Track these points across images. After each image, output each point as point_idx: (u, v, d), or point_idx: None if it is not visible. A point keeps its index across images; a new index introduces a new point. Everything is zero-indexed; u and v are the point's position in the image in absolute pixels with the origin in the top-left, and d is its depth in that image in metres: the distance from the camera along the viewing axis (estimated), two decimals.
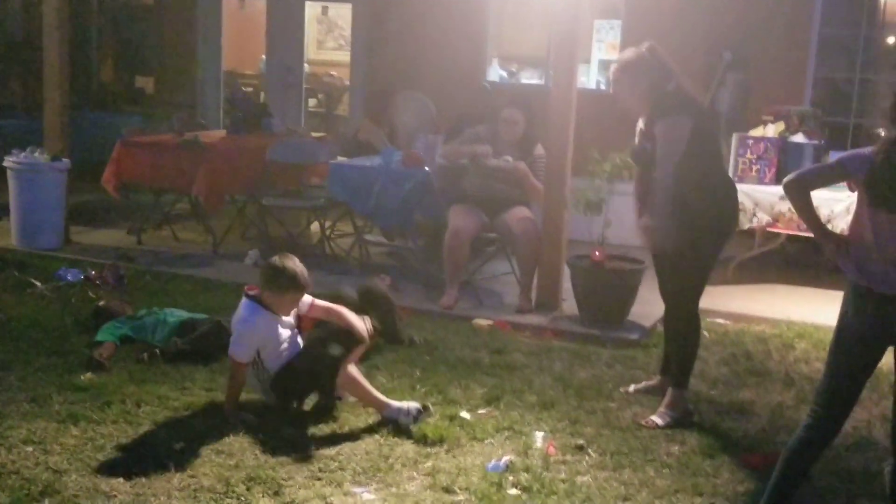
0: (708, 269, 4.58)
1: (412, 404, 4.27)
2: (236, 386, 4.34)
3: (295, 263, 4.29)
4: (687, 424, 4.47)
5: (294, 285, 4.26)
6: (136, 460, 3.80)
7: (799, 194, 3.43)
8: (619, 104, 4.68)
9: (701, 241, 4.46)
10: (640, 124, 4.68)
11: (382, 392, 4.60)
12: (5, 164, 7.27)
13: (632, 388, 4.86)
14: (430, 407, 4.31)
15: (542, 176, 6.28)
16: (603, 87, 9.54)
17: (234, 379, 4.34)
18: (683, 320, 4.62)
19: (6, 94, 9.44)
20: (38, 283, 6.17)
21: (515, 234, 6.25)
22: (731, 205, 4.61)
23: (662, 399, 4.64)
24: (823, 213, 6.61)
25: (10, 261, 6.78)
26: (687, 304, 4.58)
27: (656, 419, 4.48)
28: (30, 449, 3.83)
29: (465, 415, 4.40)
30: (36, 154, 7.27)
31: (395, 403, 4.29)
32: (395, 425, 4.22)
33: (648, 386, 4.87)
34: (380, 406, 4.32)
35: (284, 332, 4.37)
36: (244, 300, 4.34)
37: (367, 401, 4.37)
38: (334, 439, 4.11)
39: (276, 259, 4.32)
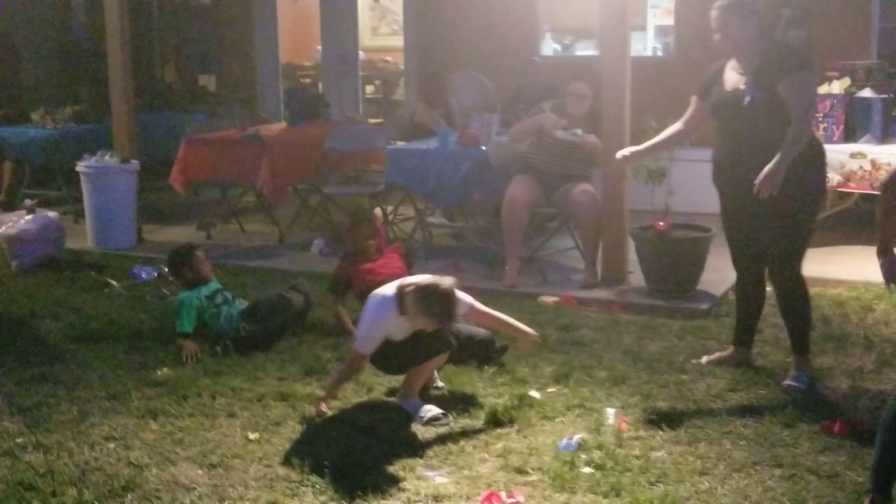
0: (813, 230, 4.52)
1: (434, 409, 4.19)
2: (350, 375, 4.32)
3: (452, 295, 4.11)
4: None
5: (440, 319, 4.12)
6: (213, 452, 3.89)
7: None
8: (723, 45, 4.40)
9: (813, 201, 4.40)
10: (731, 71, 4.42)
11: (450, 373, 4.64)
12: (78, 168, 7.48)
13: (704, 359, 4.79)
14: (450, 416, 4.18)
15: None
16: (660, 53, 9.37)
17: (350, 367, 4.31)
18: (796, 286, 4.50)
19: (76, 101, 9.67)
20: (114, 283, 6.36)
21: (576, 208, 6.20)
22: (825, 164, 4.54)
23: (737, 368, 4.65)
24: None
25: (87, 262, 6.99)
26: (797, 269, 4.48)
27: (796, 383, 4.44)
28: (111, 445, 3.95)
29: (534, 394, 4.39)
30: (106, 157, 7.47)
31: (420, 401, 4.26)
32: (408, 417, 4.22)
33: (721, 357, 4.78)
34: (409, 392, 4.30)
35: None
36: (392, 292, 4.18)
37: (410, 381, 4.31)
38: (405, 423, 4.14)
39: (436, 285, 4.11)
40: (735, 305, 4.87)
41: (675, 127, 4.80)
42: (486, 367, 4.74)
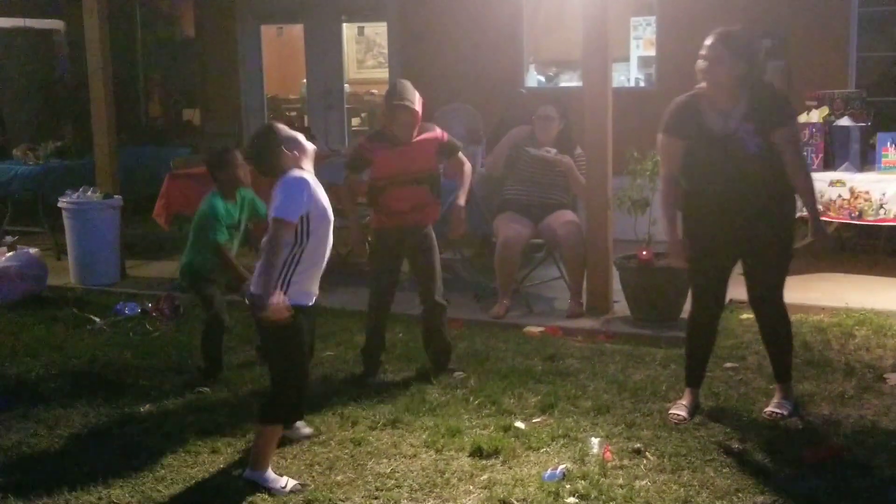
0: None
1: (290, 483, 3.85)
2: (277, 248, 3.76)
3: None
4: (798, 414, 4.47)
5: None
6: (197, 490, 3.86)
7: None
8: (705, 75, 4.25)
9: (794, 233, 4.45)
10: (712, 111, 4.27)
11: (435, 405, 4.63)
12: (60, 204, 7.46)
13: (682, 414, 4.49)
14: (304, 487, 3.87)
15: (585, 173, 6.30)
16: (643, 84, 9.46)
17: (276, 240, 3.75)
18: (784, 314, 4.54)
19: (59, 137, 9.68)
20: (97, 319, 6.33)
21: (560, 238, 6.22)
22: None
23: (717, 398, 4.65)
24: (875, 197, 6.49)
25: (70, 298, 6.96)
26: (783, 297, 4.52)
27: (780, 410, 4.44)
28: (92, 484, 3.91)
29: (519, 424, 4.39)
30: (89, 193, 7.45)
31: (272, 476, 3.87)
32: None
33: (691, 405, 4.56)
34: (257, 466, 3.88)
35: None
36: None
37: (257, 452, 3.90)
38: (390, 456, 4.12)
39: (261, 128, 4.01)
40: (692, 346, 4.59)
41: (675, 183, 4.46)
42: (472, 399, 4.74)
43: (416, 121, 5.06)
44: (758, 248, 4.41)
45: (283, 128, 3.98)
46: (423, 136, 5.14)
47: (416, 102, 5.03)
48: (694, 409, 4.53)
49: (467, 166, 5.32)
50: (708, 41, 4.25)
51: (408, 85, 5.10)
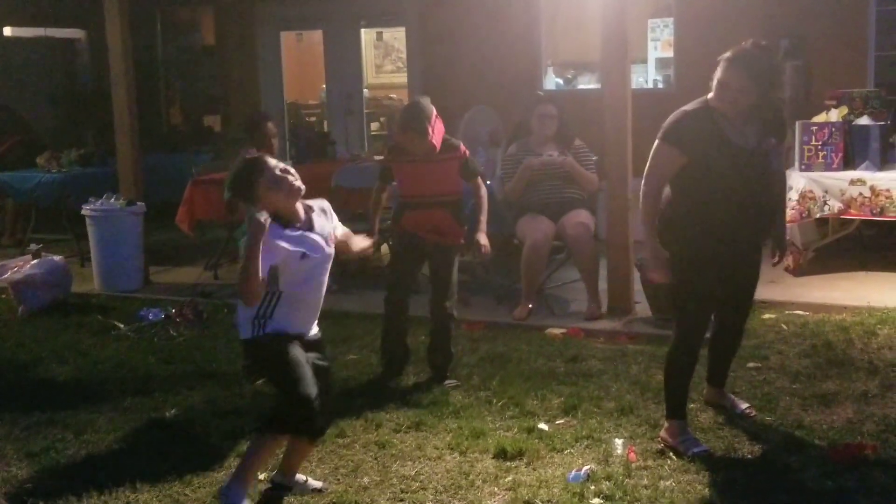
0: None
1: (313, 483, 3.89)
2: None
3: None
4: None
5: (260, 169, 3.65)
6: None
7: None
8: (733, 109, 3.99)
9: None
10: (731, 125, 3.99)
11: (458, 406, 4.64)
12: (84, 212, 7.53)
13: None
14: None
15: (590, 166, 6.37)
16: (661, 85, 9.47)
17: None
18: (743, 327, 4.61)
19: (81, 144, 9.79)
20: (121, 325, 6.39)
21: (569, 240, 6.24)
22: None
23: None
24: (818, 193, 6.64)
25: (94, 305, 7.03)
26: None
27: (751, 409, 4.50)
28: (120, 488, 3.95)
29: (543, 426, 4.40)
30: (112, 200, 7.52)
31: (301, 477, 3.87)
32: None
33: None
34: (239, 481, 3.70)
35: (303, 244, 3.73)
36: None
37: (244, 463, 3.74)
38: (414, 458, 4.14)
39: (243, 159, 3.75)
40: (676, 376, 4.25)
41: (659, 195, 4.20)
42: (494, 400, 4.76)
43: (428, 145, 5.01)
44: (749, 269, 4.28)
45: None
46: (447, 154, 5.11)
47: (431, 124, 4.98)
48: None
49: (483, 190, 5.27)
50: (733, 71, 3.91)
51: (422, 106, 5.03)
